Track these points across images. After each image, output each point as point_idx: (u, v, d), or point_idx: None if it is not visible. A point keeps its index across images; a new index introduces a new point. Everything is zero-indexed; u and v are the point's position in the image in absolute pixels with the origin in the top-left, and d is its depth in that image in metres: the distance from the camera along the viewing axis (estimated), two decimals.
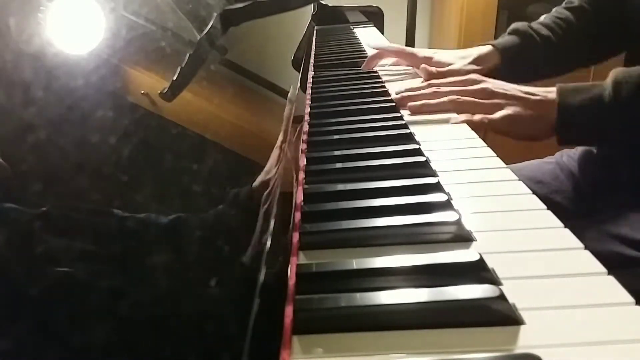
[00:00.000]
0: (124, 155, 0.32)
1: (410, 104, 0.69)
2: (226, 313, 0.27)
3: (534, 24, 0.88)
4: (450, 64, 0.84)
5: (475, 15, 1.84)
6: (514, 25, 0.88)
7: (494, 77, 0.71)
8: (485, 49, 0.86)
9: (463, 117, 0.64)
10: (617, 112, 0.59)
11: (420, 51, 0.90)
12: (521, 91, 0.65)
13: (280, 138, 0.48)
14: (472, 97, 0.67)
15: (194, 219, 0.33)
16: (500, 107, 0.65)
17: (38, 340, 0.21)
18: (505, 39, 0.87)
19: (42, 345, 0.21)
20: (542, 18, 0.90)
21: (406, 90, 0.72)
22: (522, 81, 0.71)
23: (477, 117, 0.64)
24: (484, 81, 0.69)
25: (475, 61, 0.84)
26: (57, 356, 0.21)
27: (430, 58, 0.86)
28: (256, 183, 0.39)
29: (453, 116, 0.64)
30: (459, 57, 0.86)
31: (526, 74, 0.86)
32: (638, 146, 0.72)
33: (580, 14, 0.87)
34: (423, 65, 0.82)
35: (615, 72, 0.61)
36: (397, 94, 0.73)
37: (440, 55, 0.87)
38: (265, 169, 0.41)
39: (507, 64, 0.84)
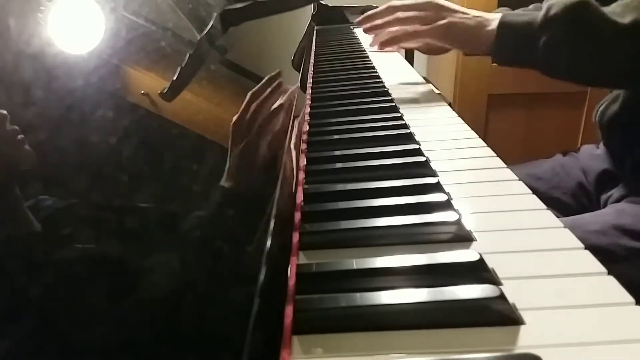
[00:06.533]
0: (124, 155, 0.32)
1: (377, 39, 0.85)
2: (226, 313, 0.27)
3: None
4: None
5: None
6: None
7: None
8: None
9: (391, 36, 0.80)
10: (543, 30, 0.66)
11: None
12: (469, 13, 0.76)
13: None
14: (420, 13, 0.79)
15: (193, 219, 0.33)
16: (444, 17, 0.76)
17: (39, 340, 0.21)
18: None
19: (43, 347, 0.21)
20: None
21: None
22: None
23: (419, 34, 0.78)
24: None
25: None
26: (55, 355, 0.21)
27: None
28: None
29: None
30: None
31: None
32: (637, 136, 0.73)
33: None
34: None
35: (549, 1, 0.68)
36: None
37: None
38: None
39: None
